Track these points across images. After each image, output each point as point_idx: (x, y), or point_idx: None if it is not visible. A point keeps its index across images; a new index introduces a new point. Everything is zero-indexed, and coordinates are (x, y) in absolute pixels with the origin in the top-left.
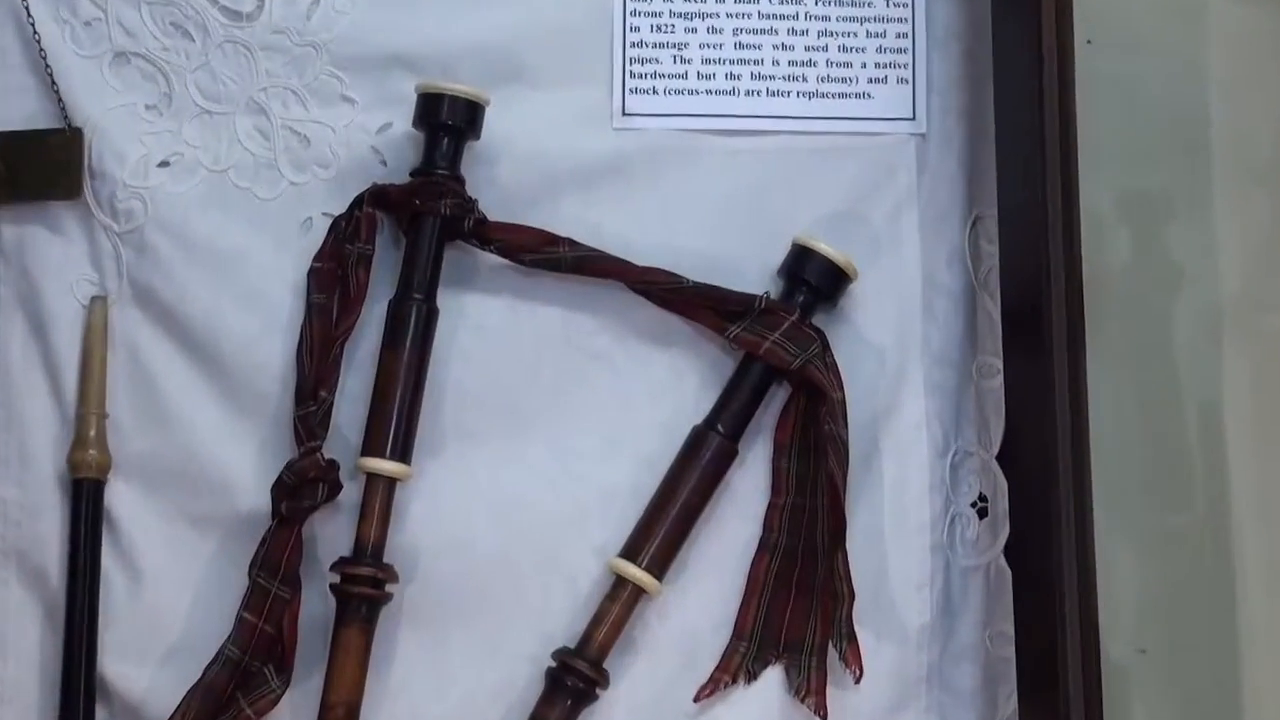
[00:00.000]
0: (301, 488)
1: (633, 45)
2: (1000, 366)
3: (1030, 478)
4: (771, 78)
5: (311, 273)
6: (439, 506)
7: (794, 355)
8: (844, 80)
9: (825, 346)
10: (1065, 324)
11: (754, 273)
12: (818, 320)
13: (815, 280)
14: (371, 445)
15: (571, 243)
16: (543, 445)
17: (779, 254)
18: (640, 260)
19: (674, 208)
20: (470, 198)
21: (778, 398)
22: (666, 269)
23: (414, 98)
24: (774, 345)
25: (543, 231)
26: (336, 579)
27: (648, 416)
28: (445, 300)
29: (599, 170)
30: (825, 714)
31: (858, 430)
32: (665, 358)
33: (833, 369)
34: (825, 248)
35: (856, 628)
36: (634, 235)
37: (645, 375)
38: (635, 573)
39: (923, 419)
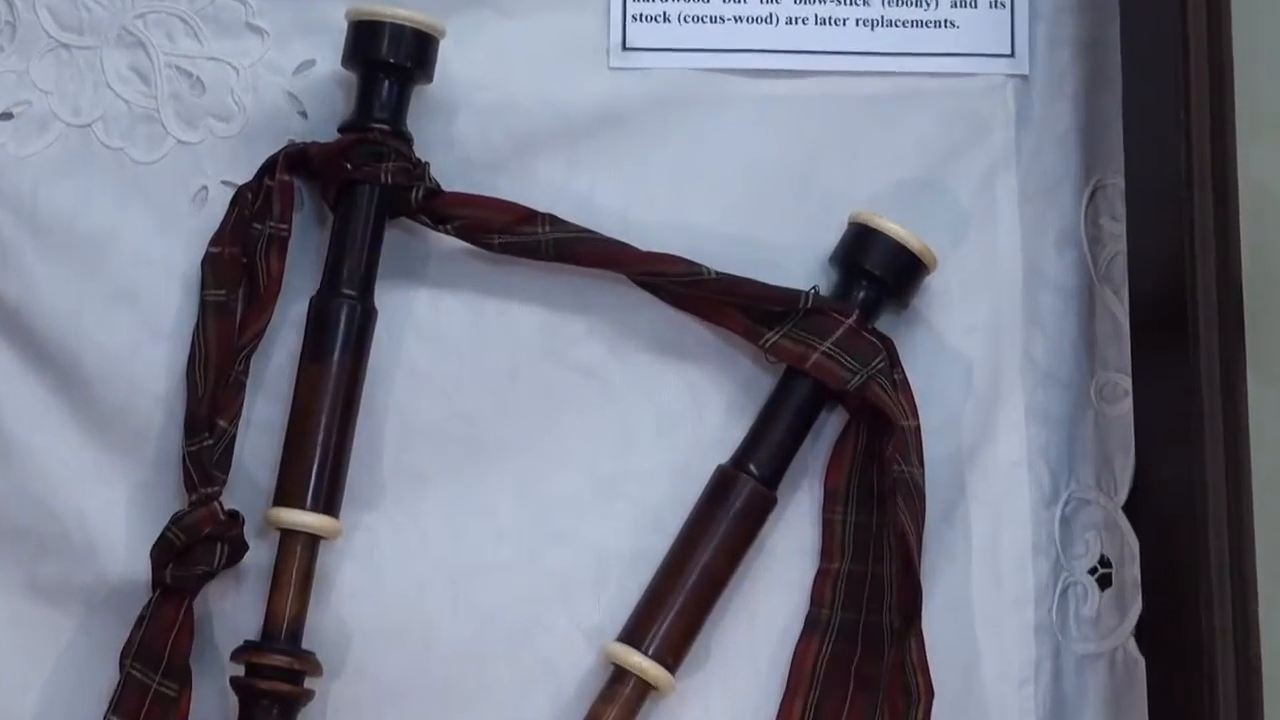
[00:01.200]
0: (193, 549)
1: None
2: (1128, 386)
3: (1170, 534)
4: (822, 0)
5: (207, 261)
6: (377, 573)
7: (852, 371)
8: (918, 3)
9: (894, 359)
10: (1217, 329)
11: (798, 260)
12: (884, 324)
13: (880, 271)
14: (287, 492)
15: (554, 220)
16: (516, 492)
17: (832, 236)
18: (645, 244)
19: (690, 173)
20: (420, 161)
21: (830, 428)
22: (681, 255)
23: (344, 26)
24: (825, 358)
25: (516, 205)
26: (240, 670)
27: (656, 454)
28: (386, 298)
29: (590, 123)
30: None
31: (937, 471)
32: (679, 374)
33: (903, 389)
34: (893, 227)
35: None
36: (637, 210)
37: (653, 398)
38: (640, 662)
39: (1024, 456)
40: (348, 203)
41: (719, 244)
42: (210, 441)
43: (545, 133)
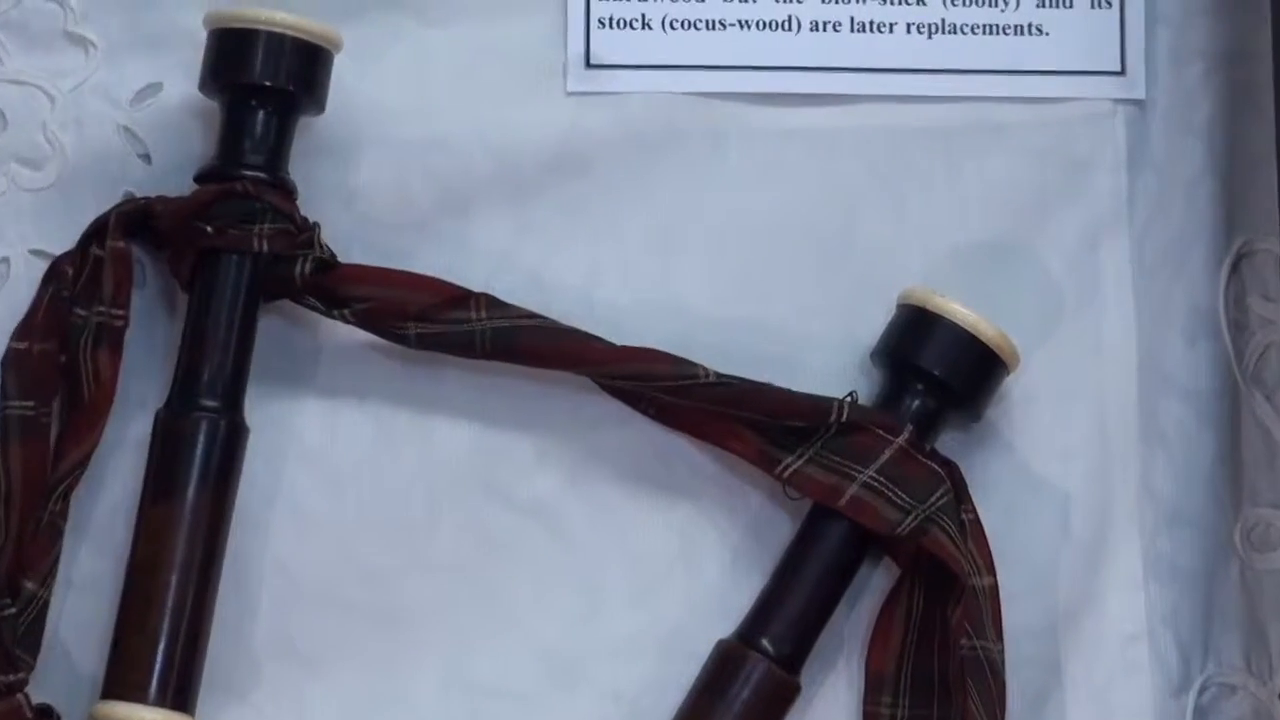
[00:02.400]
0: None
1: None
2: None
3: None
4: (860, 1)
5: (8, 361)
6: None
7: (903, 510)
8: (992, 4)
9: (961, 493)
10: None
11: (827, 357)
12: (946, 445)
13: (941, 371)
14: (122, 680)
15: (492, 303)
16: (440, 680)
17: (875, 323)
18: (618, 335)
19: (679, 237)
20: (307, 221)
21: (873, 589)
22: (666, 351)
23: (201, 37)
24: (867, 491)
25: (441, 282)
26: None
27: (633, 624)
28: (262, 411)
29: (543, 169)
30: None
31: (1023, 648)
32: (664, 515)
33: (975, 534)
34: (959, 311)
35: None
36: (607, 288)
37: (628, 548)
38: None
39: (1143, 626)
40: (208, 279)
41: (719, 334)
42: (12, 610)
43: (482, 182)
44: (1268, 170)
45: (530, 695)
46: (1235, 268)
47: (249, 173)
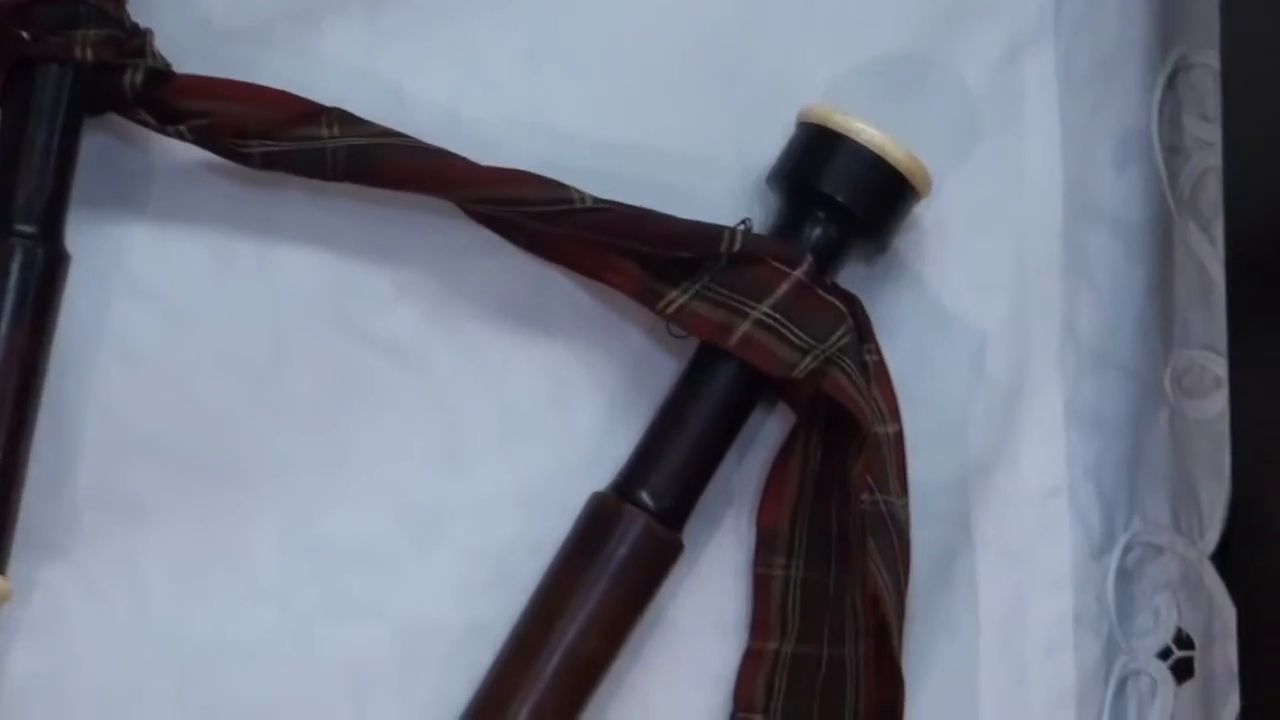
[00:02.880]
0: None
1: None
2: (1222, 372)
3: None
4: None
5: None
6: (67, 655)
7: (800, 349)
8: None
9: (864, 332)
10: None
11: (719, 181)
12: (850, 278)
13: (845, 196)
14: None
15: (346, 119)
16: (284, 534)
17: (772, 144)
18: (485, 156)
19: (553, 45)
20: (138, 26)
21: (765, 437)
22: (538, 174)
23: None
24: (760, 329)
25: (288, 96)
26: None
27: (499, 475)
28: (85, 238)
29: None
30: None
31: (931, 503)
32: (536, 355)
33: (879, 378)
34: (865, 130)
35: None
36: (474, 103)
37: (495, 390)
38: None
39: (1062, 479)
40: (23, 92)
41: (597, 156)
42: None
43: None
44: None
45: (383, 555)
46: (1170, 84)
47: None
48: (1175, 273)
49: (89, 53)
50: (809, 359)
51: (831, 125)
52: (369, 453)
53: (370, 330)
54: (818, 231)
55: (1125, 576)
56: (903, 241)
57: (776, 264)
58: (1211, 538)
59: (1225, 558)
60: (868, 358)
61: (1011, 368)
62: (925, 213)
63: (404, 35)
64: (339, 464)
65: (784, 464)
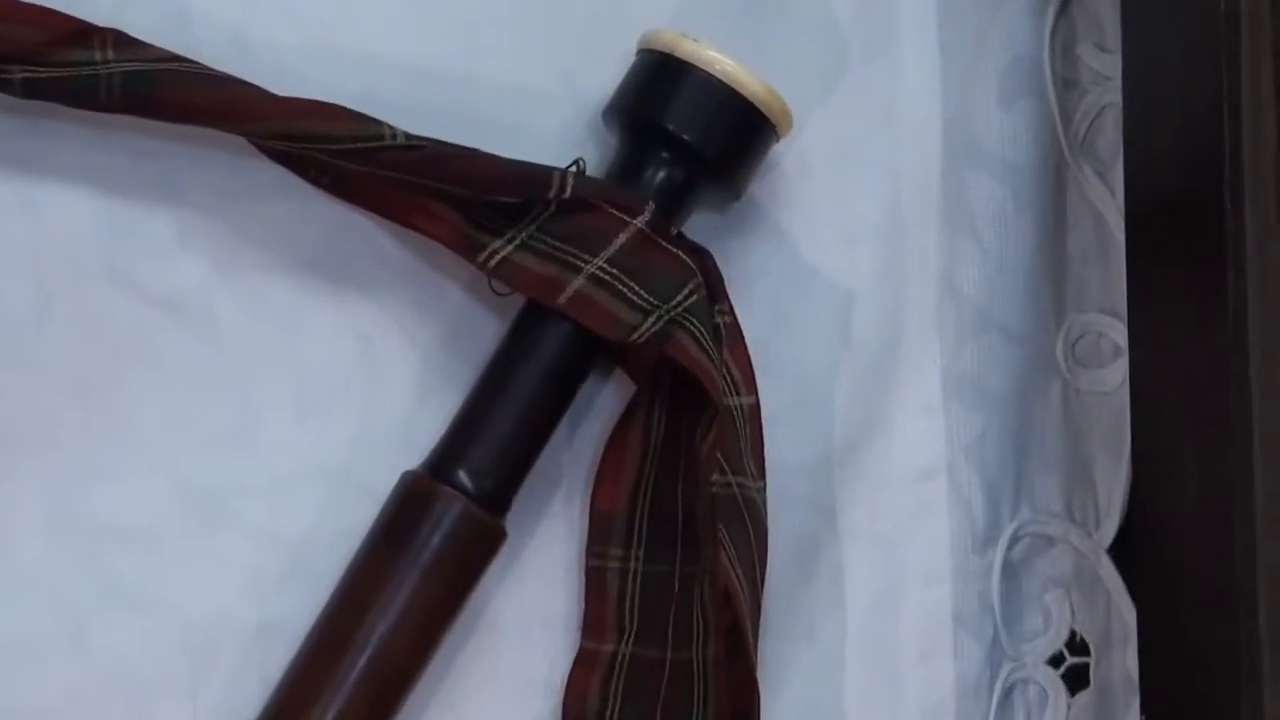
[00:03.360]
0: None
1: None
2: (1121, 339)
3: (1192, 595)
4: None
5: None
6: None
7: (641, 309)
8: None
9: (715, 290)
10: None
11: (547, 114)
12: (700, 228)
13: (693, 135)
14: None
15: (122, 41)
16: (46, 514)
17: (608, 73)
18: (281, 85)
19: None
20: None
21: (600, 409)
22: (343, 106)
23: None
24: (593, 286)
25: (51, 12)
26: None
27: (296, 449)
28: None
29: None
30: None
31: (791, 485)
32: (338, 314)
33: (732, 341)
34: (716, 58)
35: None
36: (265, 23)
37: (292, 354)
38: None
39: (941, 459)
40: None
41: (410, 86)
42: None
43: None
44: None
45: (163, 537)
46: (1064, 8)
47: None
48: (1069, 225)
49: None
50: (651, 320)
51: (677, 53)
52: (146, 422)
53: (147, 283)
54: (662, 174)
55: (1012, 571)
56: (759, 187)
57: (614, 211)
58: (1109, 528)
59: (1124, 551)
60: (719, 319)
61: (883, 331)
62: (785, 154)
63: None
64: (112, 434)
65: (622, 440)
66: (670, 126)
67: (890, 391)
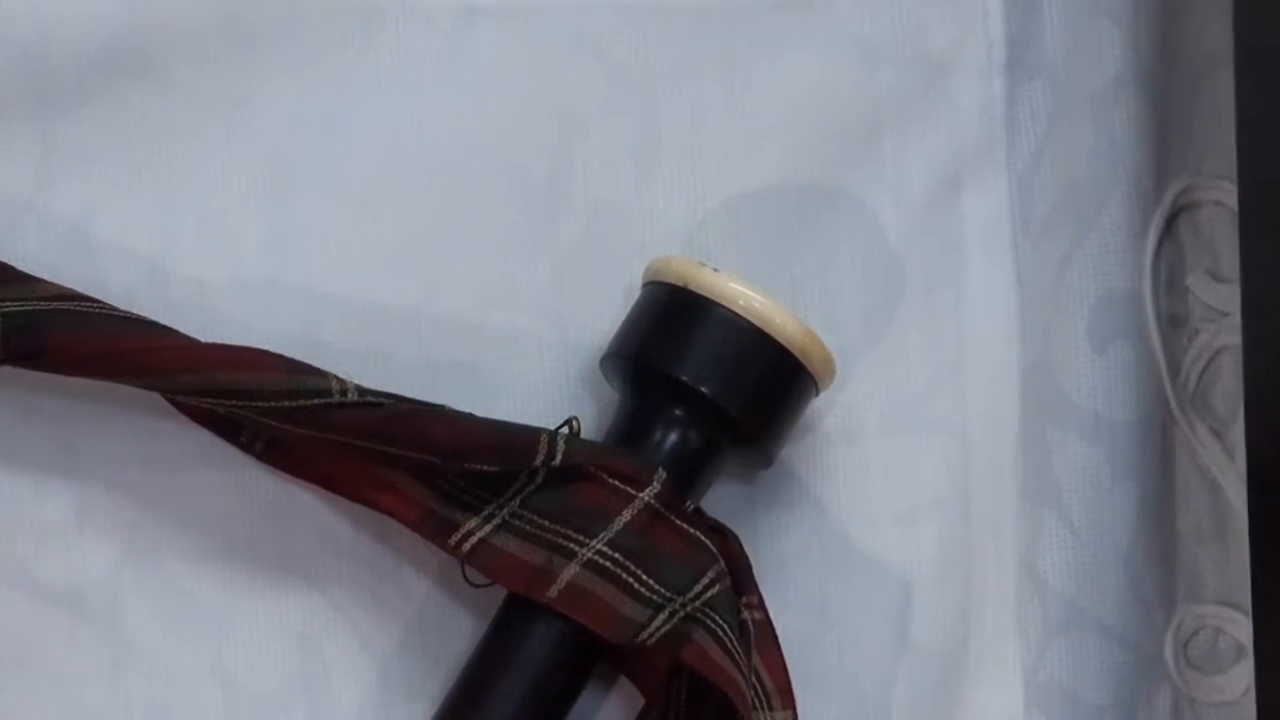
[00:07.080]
0: None
1: None
2: (1246, 639)
3: None
4: None
5: None
6: None
7: (651, 605)
8: None
9: (742, 580)
10: None
11: (533, 361)
12: (722, 503)
13: (712, 388)
14: None
15: (11, 277)
16: None
17: (610, 311)
18: (208, 328)
19: (302, 169)
20: None
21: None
22: (279, 354)
23: None
24: (590, 576)
25: None
26: None
27: None
28: None
29: (86, 66)
30: None
31: None
32: (276, 610)
33: (763, 644)
34: (741, 292)
35: None
36: (189, 253)
37: (214, 662)
38: None
39: None
40: None
41: (364, 328)
42: None
43: (10, 81)
44: (1218, 76)
45: None
46: (1169, 228)
47: None
48: (1177, 496)
49: None
50: (662, 617)
51: (693, 286)
52: None
53: (41, 576)
54: (674, 436)
55: None
56: (795, 451)
57: (615, 482)
58: None
59: None
60: (747, 615)
61: (949, 630)
62: (827, 410)
63: (87, 151)
64: None
65: None
66: (684, 377)
67: (961, 705)
